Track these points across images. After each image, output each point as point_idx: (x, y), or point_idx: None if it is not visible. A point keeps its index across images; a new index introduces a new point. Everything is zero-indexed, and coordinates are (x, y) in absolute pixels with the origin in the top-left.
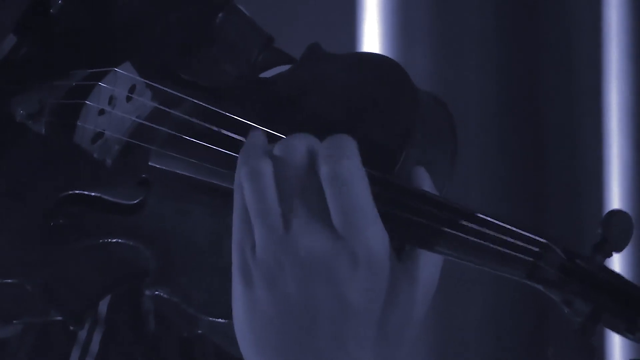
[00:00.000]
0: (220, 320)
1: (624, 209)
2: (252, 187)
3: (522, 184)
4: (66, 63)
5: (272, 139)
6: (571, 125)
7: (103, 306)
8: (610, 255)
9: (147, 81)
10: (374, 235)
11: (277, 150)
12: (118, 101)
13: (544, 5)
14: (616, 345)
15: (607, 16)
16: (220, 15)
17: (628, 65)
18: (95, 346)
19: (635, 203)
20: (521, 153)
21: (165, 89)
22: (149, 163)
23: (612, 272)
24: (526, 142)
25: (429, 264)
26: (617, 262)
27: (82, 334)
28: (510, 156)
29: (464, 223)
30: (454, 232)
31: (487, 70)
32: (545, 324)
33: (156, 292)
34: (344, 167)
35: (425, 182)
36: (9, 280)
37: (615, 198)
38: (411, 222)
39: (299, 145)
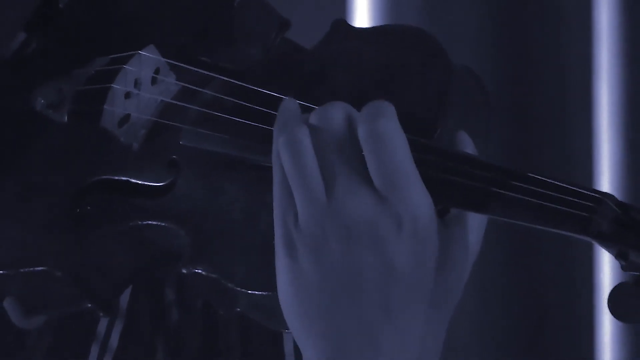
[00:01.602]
0: (261, 293)
1: None
2: (291, 156)
3: None
4: (84, 52)
5: (306, 111)
6: (562, 124)
7: (123, 300)
8: None
9: (173, 62)
10: (417, 195)
11: (313, 118)
12: (143, 84)
13: (535, 4)
14: (606, 346)
15: (597, 14)
16: None
17: (618, 63)
18: (114, 341)
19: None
20: (511, 152)
21: (191, 67)
22: (180, 142)
23: None
24: (516, 140)
25: (475, 227)
26: None
27: (101, 330)
28: (501, 155)
29: (517, 183)
30: (508, 192)
31: (477, 69)
32: (543, 326)
33: (194, 270)
34: (382, 125)
35: (468, 145)
36: (38, 269)
37: None
38: (464, 185)
39: (336, 112)
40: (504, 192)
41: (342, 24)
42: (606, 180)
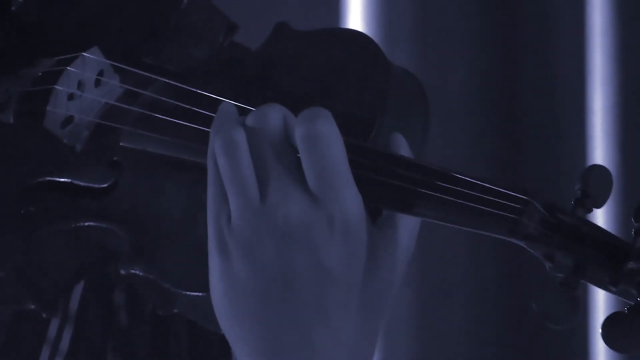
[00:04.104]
0: (197, 294)
1: (608, 212)
2: (226, 156)
3: None
4: (32, 54)
5: (244, 113)
6: (554, 127)
7: (73, 303)
8: (590, 210)
9: (116, 64)
10: (350, 198)
11: (250, 119)
12: (87, 86)
13: (527, 5)
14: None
15: (589, 14)
16: (185, 0)
17: (611, 64)
18: (65, 344)
19: (619, 208)
20: (502, 154)
21: (134, 70)
22: (120, 144)
23: (594, 225)
24: (508, 144)
25: (407, 228)
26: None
27: (52, 332)
28: (491, 158)
29: (441, 184)
30: (433, 193)
31: (469, 72)
32: (535, 332)
33: (132, 271)
34: (318, 126)
35: (402, 148)
36: None
37: None
38: (389, 185)
39: (272, 113)
40: (428, 192)
41: (284, 27)
42: None
